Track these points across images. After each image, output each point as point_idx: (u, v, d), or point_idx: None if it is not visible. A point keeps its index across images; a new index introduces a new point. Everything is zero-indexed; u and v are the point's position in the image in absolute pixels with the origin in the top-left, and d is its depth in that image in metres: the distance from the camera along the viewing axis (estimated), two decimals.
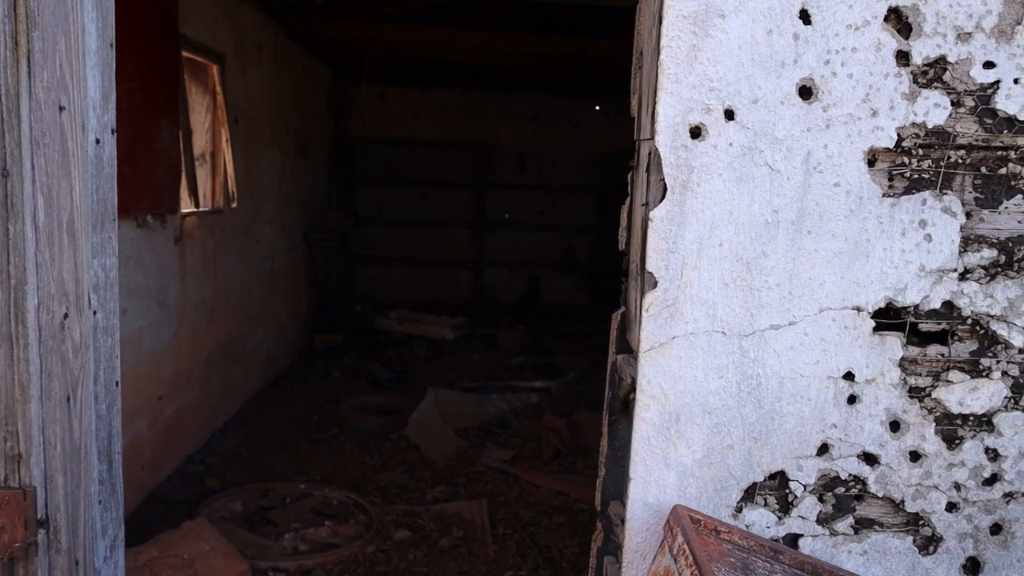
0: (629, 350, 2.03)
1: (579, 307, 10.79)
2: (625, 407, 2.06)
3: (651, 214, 1.68)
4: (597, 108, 10.74)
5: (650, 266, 1.69)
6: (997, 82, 1.68)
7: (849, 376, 1.75)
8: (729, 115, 1.65)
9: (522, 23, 7.00)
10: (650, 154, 1.76)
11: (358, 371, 7.15)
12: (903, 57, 1.66)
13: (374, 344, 8.24)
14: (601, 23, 6.90)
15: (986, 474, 1.82)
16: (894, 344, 1.74)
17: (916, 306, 1.74)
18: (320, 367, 7.37)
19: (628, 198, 2.01)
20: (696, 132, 1.66)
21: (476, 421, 5.93)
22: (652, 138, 1.75)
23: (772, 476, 1.79)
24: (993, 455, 1.81)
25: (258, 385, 6.45)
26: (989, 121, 1.70)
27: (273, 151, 6.83)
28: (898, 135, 1.68)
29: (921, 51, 1.65)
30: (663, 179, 1.68)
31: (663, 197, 1.68)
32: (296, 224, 7.84)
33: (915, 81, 1.67)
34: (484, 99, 10.49)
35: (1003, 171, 1.73)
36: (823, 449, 1.78)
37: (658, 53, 1.66)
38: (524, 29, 7.11)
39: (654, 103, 1.73)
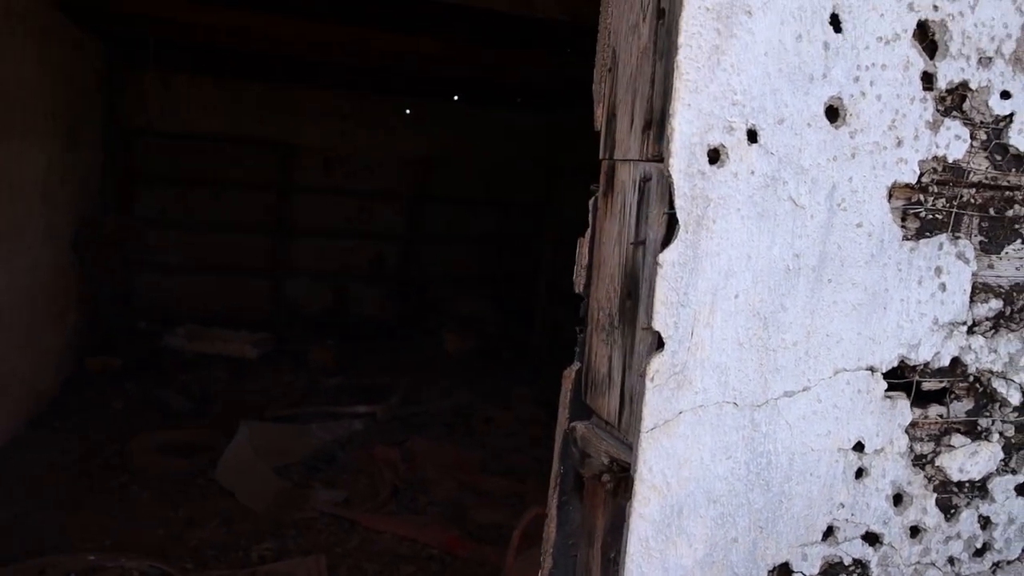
0: (586, 415, 1.66)
1: (390, 319, 10.26)
2: (579, 485, 1.70)
3: (661, 258, 1.31)
4: (408, 112, 10.29)
5: (657, 323, 1.32)
6: (1011, 115, 1.50)
7: (859, 447, 1.50)
8: (752, 137, 1.34)
9: (334, 12, 6.37)
10: (643, 180, 1.40)
11: (146, 401, 6.16)
12: (928, 80, 1.43)
13: (161, 366, 7.20)
14: (422, 20, 6.45)
15: (978, 544, 1.65)
16: (903, 408, 1.52)
17: (926, 364, 1.53)
18: (95, 397, 6.26)
19: (588, 229, 1.64)
20: (715, 156, 1.32)
21: (297, 456, 5.27)
22: (646, 159, 1.39)
23: (774, 570, 1.50)
24: (984, 522, 1.65)
25: (15, 424, 5.31)
26: (999, 158, 1.53)
27: (32, 141, 5.68)
28: (919, 169, 1.45)
29: (946, 74, 1.44)
30: (668, 213, 1.33)
31: (670, 236, 1.33)
32: (64, 227, 6.64)
33: (937, 108, 1.45)
34: (288, 94, 9.65)
35: (1009, 213, 1.57)
36: (828, 532, 1.52)
37: (668, 54, 1.31)
38: (337, 19, 6.48)
39: (647, 115, 1.38)
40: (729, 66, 1.30)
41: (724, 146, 1.32)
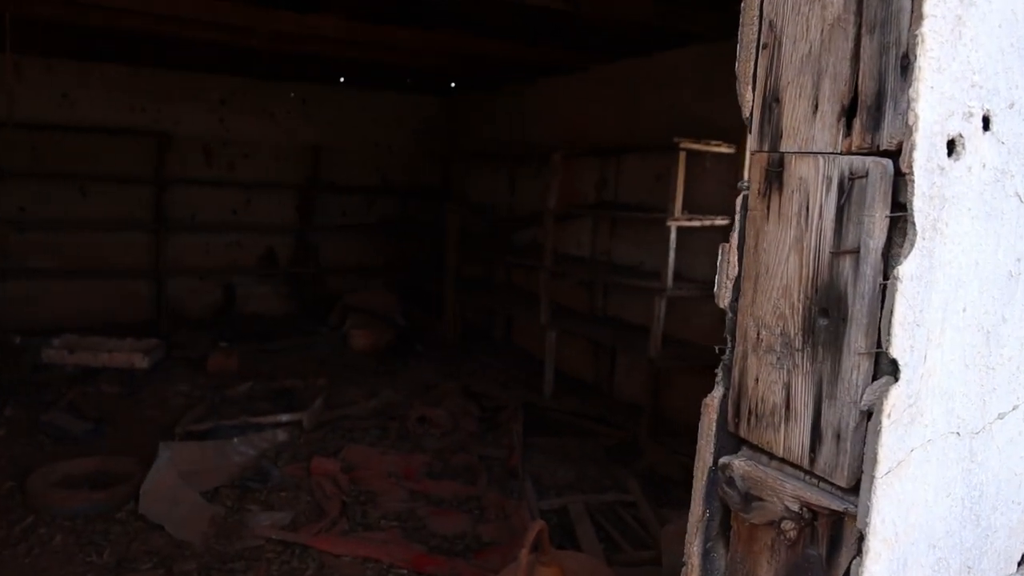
0: (733, 448, 1.44)
1: (285, 316, 9.65)
2: (725, 529, 1.48)
3: (900, 271, 1.10)
4: (292, 95, 9.64)
5: (896, 350, 1.12)
6: None
7: None
8: (986, 124, 1.15)
9: None
10: (849, 177, 1.18)
11: (33, 426, 5.40)
12: None
13: (40, 384, 6.38)
14: None
15: None
16: None
17: None
18: None
19: (734, 233, 1.41)
20: (951, 147, 1.12)
21: (224, 477, 4.76)
22: (850, 152, 1.18)
23: None
24: None
25: None
26: None
27: None
28: None
29: None
30: (890, 216, 1.12)
31: (890, 244, 1.12)
32: None
33: None
34: (159, 78, 8.78)
35: None
36: (1021, 563, 1.38)
37: (888, 25, 1.10)
38: None
39: (845, 99, 1.17)
40: (969, 40, 1.10)
41: (962, 136, 1.12)
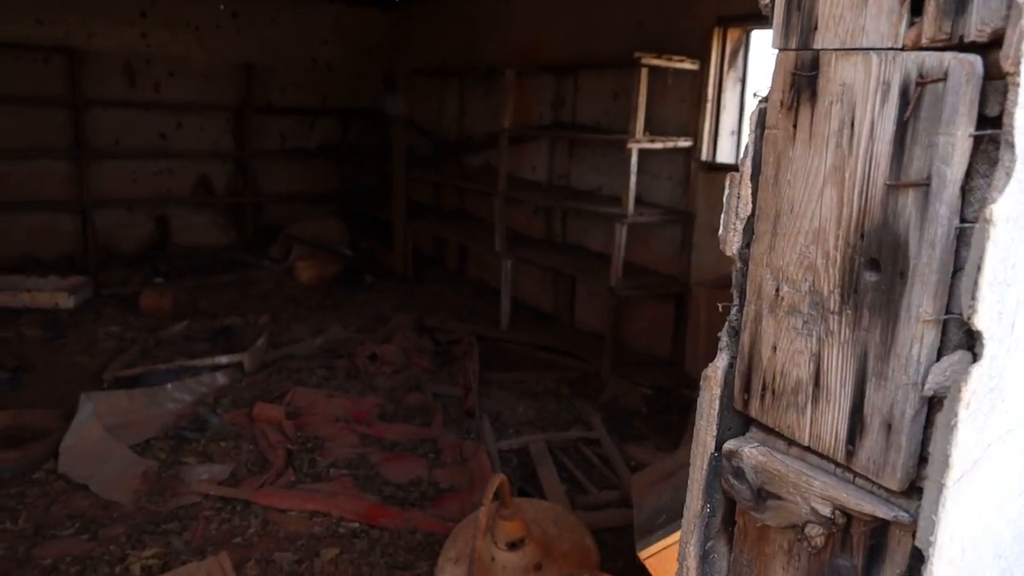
0: (740, 429, 1.17)
1: (224, 248, 9.15)
2: (728, 525, 1.22)
3: (992, 212, 0.80)
4: (222, 7, 8.89)
5: (981, 317, 0.83)
6: None
7: None
8: None
9: None
10: (918, 80, 0.86)
11: None
12: None
13: None
14: None
15: None
16: None
17: None
18: None
19: (747, 159, 1.09)
20: None
21: (156, 427, 4.43)
22: (920, 46, 0.86)
23: None
24: None
25: None
26: None
27: None
28: None
29: None
30: (974, 135, 0.82)
31: (971, 174, 0.82)
32: None
33: None
34: None
35: None
36: None
37: None
38: None
39: None
40: None
41: None
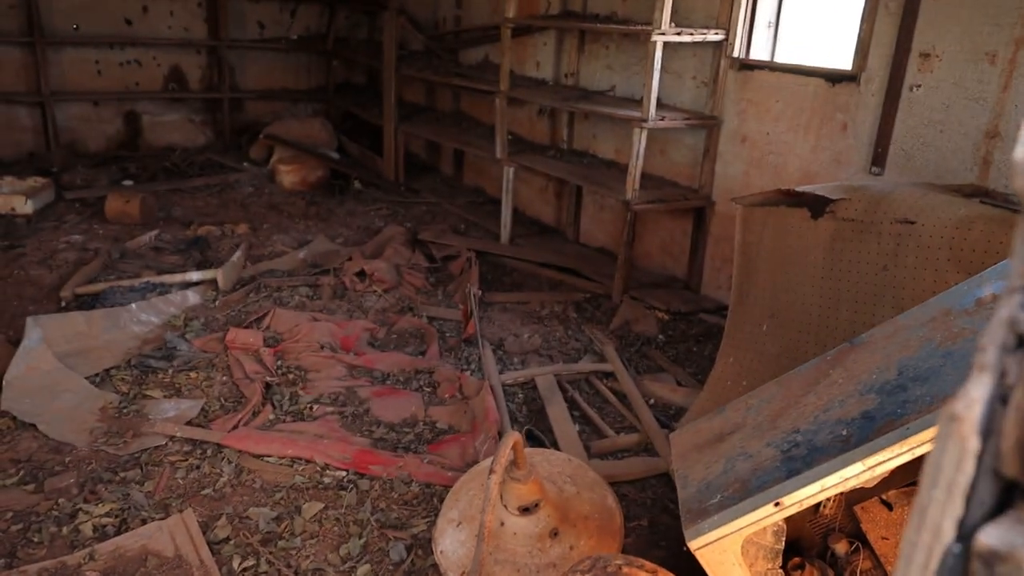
0: (1005, 501, 0.65)
1: (199, 148, 8.44)
2: None
3: None
4: None
5: None
6: None
7: None
8: None
9: None
10: None
11: None
12: None
13: None
14: None
15: None
16: None
17: None
18: None
19: None
20: None
21: (118, 355, 3.93)
22: None
23: None
24: None
25: None
26: None
27: None
28: None
29: None
30: None
31: None
32: None
33: None
34: None
35: None
36: None
37: None
38: None
39: None
40: None
41: None
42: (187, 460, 3.19)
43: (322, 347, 4.11)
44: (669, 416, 3.81)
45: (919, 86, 3.95)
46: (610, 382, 4.10)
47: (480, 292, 4.87)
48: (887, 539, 2.38)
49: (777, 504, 1.91)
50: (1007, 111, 3.63)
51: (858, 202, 3.34)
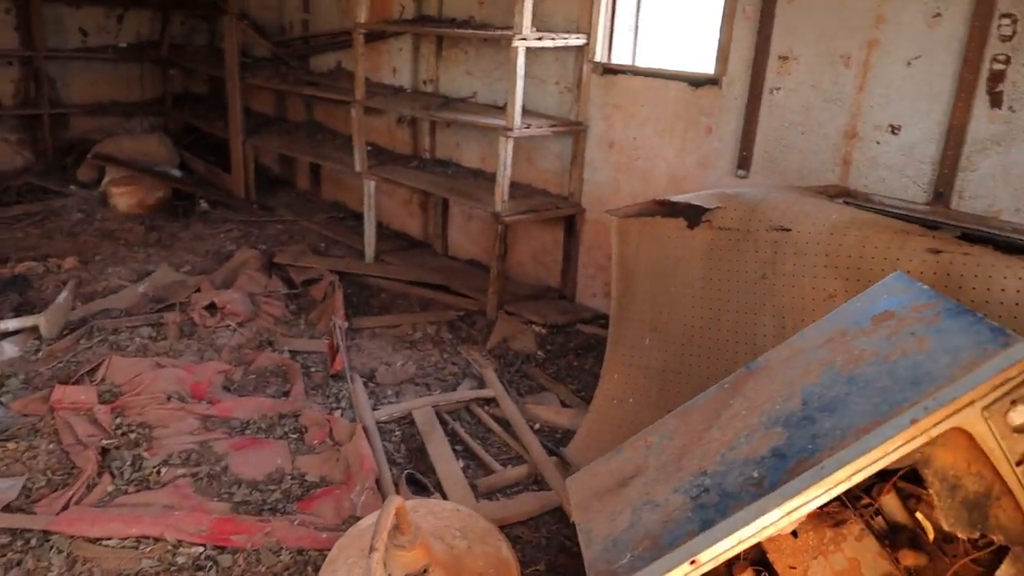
0: None
1: (17, 172, 7.53)
2: None
3: None
4: None
5: None
6: None
7: None
8: None
9: None
10: None
11: None
12: None
13: None
14: None
15: None
16: None
17: None
18: None
19: None
20: None
21: None
22: None
23: None
24: None
25: None
26: None
27: None
28: None
29: None
30: None
31: None
32: None
33: None
34: None
35: None
36: None
37: None
38: None
39: None
40: None
41: None
42: (4, 555, 2.68)
43: (169, 397, 3.64)
44: (556, 441, 3.62)
45: (779, 89, 3.96)
46: (492, 408, 3.88)
47: (346, 324, 4.51)
48: (794, 568, 2.27)
49: (693, 562, 1.73)
50: (863, 112, 3.68)
51: (733, 210, 3.27)
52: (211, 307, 4.60)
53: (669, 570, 1.73)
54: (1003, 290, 2.47)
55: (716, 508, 1.79)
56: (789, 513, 1.70)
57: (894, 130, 3.59)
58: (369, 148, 5.98)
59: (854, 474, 1.67)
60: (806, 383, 1.99)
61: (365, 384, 3.98)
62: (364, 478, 3.10)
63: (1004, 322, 2.34)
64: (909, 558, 2.16)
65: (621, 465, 2.20)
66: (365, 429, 3.45)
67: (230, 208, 6.82)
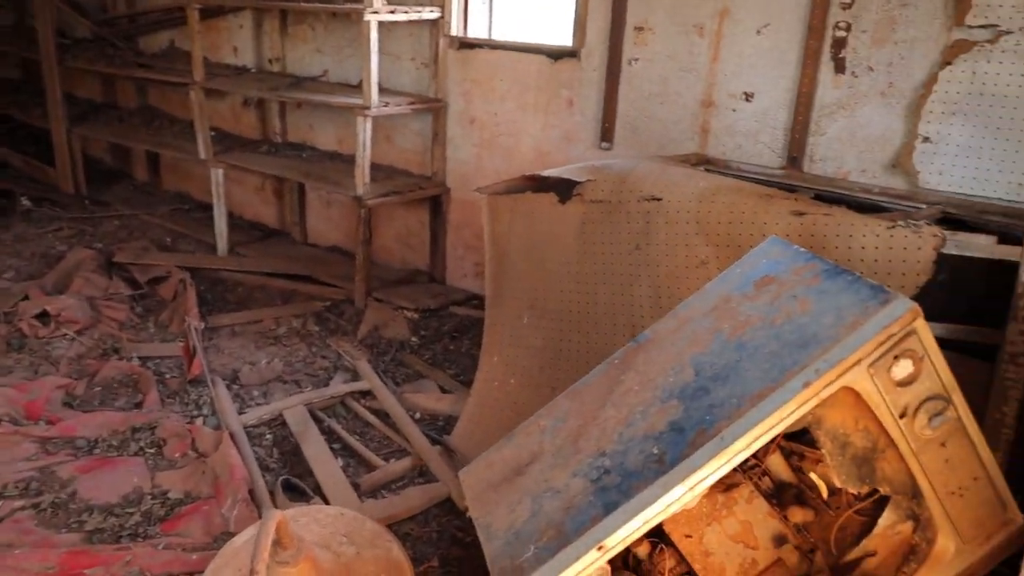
0: None
1: None
2: None
3: None
4: None
5: None
6: None
7: None
8: None
9: None
10: None
11: None
12: None
13: None
14: None
15: None
16: None
17: None
18: None
19: None
20: None
21: None
22: None
23: None
24: None
25: None
26: None
27: None
28: None
29: None
30: None
31: None
32: None
33: None
34: None
35: None
36: None
37: None
38: None
39: None
40: None
41: None
42: None
43: (0, 421, 3.23)
44: (439, 429, 3.51)
45: (637, 60, 3.98)
46: (369, 401, 3.70)
47: (202, 324, 4.18)
48: (690, 536, 2.28)
49: (600, 548, 1.67)
50: (718, 80, 3.76)
51: (604, 183, 3.25)
52: (43, 316, 4.13)
53: (576, 559, 1.67)
54: (863, 248, 2.57)
55: (619, 489, 1.74)
56: (692, 488, 1.68)
57: (748, 97, 3.69)
58: (213, 133, 5.57)
59: (753, 442, 1.66)
60: (696, 353, 1.97)
61: (228, 387, 3.69)
62: (235, 489, 2.86)
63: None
64: (797, 515, 2.22)
65: (515, 452, 2.12)
66: (232, 436, 3.19)
67: (57, 205, 6.17)
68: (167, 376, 3.80)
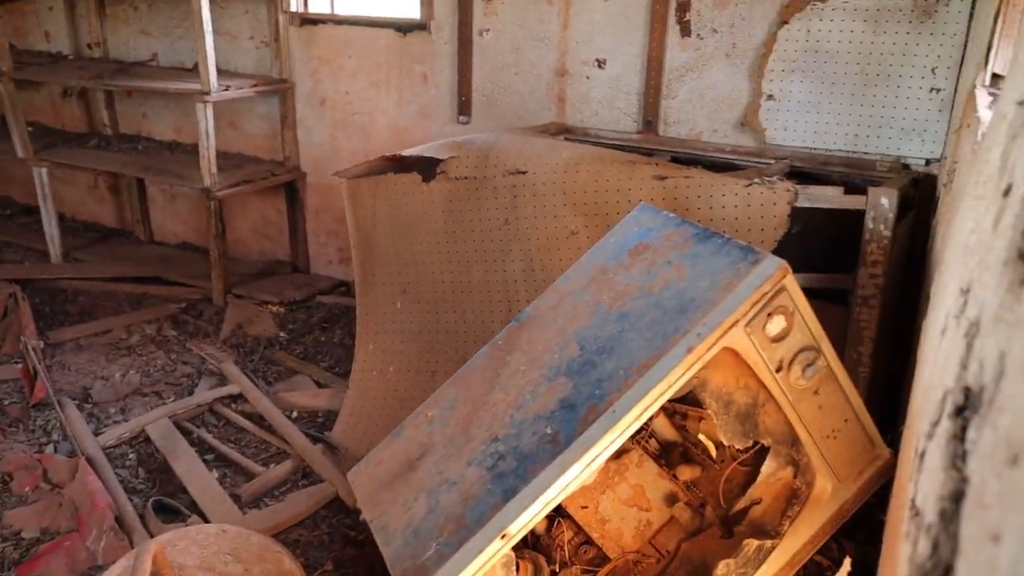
0: None
1: None
2: None
3: None
4: None
5: None
6: None
7: None
8: None
9: None
10: None
11: None
12: None
13: None
14: None
15: None
16: None
17: None
18: None
19: None
20: None
21: None
22: None
23: None
24: None
25: None
26: None
27: None
28: None
29: None
30: None
31: None
32: None
33: None
34: None
35: None
36: None
37: None
38: None
39: None
40: None
41: None
42: None
43: None
44: (319, 426, 3.37)
45: (488, 30, 3.92)
46: (240, 405, 3.50)
47: (40, 341, 3.80)
48: (586, 507, 2.30)
49: (504, 536, 1.64)
50: (571, 48, 3.77)
51: (467, 158, 3.18)
52: None
53: (480, 551, 1.63)
54: (724, 207, 2.65)
55: (516, 474, 1.71)
56: (589, 464, 1.67)
57: (600, 64, 3.72)
58: (31, 129, 5.05)
59: (644, 411, 1.67)
60: (579, 327, 1.96)
61: (79, 407, 3.39)
62: (100, 519, 2.63)
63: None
64: (686, 472, 2.28)
65: (405, 447, 2.04)
66: (90, 460, 2.93)
67: None
68: (6, 403, 3.43)
